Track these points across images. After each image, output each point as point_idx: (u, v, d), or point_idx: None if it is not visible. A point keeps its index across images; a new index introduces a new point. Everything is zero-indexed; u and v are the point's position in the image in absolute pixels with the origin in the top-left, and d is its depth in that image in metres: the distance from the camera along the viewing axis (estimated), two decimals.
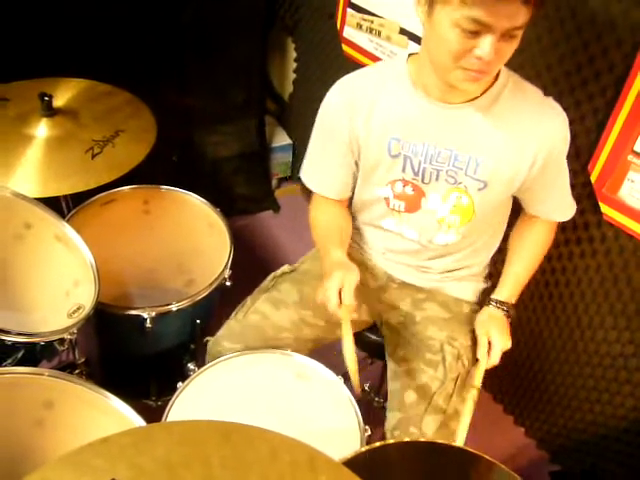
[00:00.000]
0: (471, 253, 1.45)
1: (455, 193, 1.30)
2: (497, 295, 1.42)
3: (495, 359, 1.32)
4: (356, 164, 1.38)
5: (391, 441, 0.98)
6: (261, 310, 1.44)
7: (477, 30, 1.01)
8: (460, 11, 0.99)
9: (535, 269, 1.46)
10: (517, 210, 1.44)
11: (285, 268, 1.55)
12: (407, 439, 1.05)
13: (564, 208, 1.40)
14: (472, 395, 1.26)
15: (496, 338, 1.33)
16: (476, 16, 0.98)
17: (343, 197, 1.45)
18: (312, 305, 1.43)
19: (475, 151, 1.24)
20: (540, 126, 1.22)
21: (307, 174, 1.46)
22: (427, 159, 1.27)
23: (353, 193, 1.45)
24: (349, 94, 1.31)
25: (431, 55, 1.14)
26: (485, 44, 1.02)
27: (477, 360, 1.35)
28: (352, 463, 0.93)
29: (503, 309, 1.39)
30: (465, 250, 1.44)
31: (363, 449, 0.96)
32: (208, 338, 1.47)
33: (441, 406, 1.30)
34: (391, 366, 1.47)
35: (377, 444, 0.97)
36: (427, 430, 1.27)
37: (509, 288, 1.42)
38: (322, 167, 1.43)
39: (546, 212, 1.40)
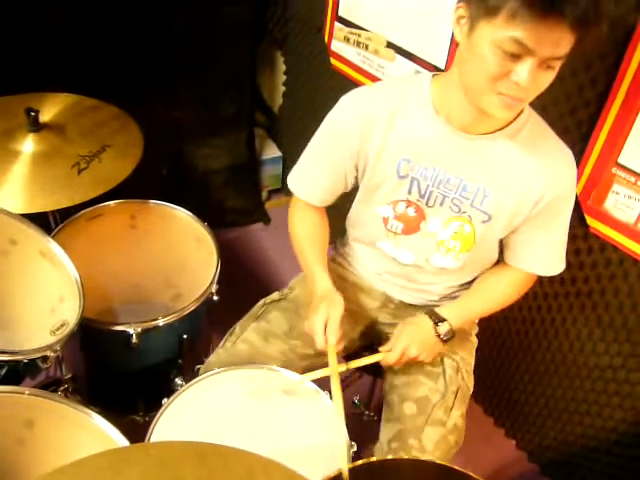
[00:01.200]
0: (468, 285, 1.44)
1: (457, 222, 1.28)
2: (441, 309, 1.36)
3: (388, 360, 1.31)
4: (356, 179, 1.35)
5: (374, 459, 0.97)
6: (250, 340, 1.43)
7: (518, 53, 0.97)
8: (504, 31, 0.95)
9: (488, 312, 1.41)
10: None
11: (275, 295, 1.53)
12: (390, 457, 1.04)
13: (543, 260, 1.34)
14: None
15: (402, 342, 1.30)
16: (520, 38, 0.95)
17: (324, 205, 1.43)
18: (301, 335, 1.41)
19: (484, 183, 1.22)
20: (552, 168, 1.20)
21: (295, 180, 1.41)
22: (436, 183, 1.25)
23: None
24: (367, 108, 1.26)
25: (465, 77, 1.09)
26: (523, 69, 0.98)
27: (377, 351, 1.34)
28: None
29: (436, 323, 1.33)
30: (464, 280, 1.43)
31: (345, 468, 0.95)
32: (199, 366, 1.46)
33: (441, 418, 1.30)
34: (389, 378, 1.45)
35: (360, 462, 0.96)
36: (427, 442, 1.26)
37: (454, 312, 1.36)
38: (313, 173, 1.38)
39: (520, 261, 1.34)
